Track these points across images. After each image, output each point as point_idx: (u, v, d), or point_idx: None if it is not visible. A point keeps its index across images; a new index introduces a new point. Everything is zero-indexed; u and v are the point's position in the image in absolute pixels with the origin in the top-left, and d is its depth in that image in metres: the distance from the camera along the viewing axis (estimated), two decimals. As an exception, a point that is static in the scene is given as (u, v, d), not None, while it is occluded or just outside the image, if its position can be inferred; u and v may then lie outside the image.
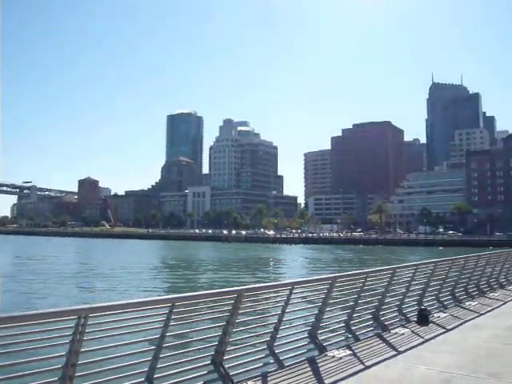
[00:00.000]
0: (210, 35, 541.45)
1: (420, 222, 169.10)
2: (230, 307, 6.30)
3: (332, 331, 8.21)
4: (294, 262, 65.15)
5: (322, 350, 7.51)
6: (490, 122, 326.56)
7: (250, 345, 6.85)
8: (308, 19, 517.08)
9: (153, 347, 5.60)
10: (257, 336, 7.17)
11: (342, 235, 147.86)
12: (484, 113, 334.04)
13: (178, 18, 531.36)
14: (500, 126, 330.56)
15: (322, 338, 7.82)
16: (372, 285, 9.20)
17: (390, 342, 8.13)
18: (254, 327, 7.20)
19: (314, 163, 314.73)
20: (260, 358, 6.79)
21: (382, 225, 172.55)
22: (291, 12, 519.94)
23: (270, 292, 7.30)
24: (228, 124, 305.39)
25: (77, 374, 4.80)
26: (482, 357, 7.19)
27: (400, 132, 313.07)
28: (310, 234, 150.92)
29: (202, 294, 6.52)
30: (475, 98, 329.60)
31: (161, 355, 5.59)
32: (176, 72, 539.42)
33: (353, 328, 8.49)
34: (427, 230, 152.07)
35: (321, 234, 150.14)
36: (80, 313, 4.74)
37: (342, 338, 8.30)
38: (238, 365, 6.40)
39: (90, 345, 5.07)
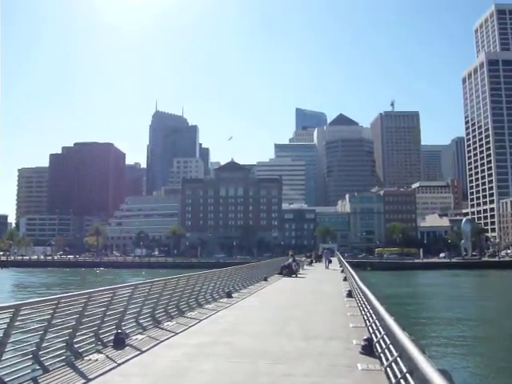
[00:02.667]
0: None
1: (137, 244, 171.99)
2: None
3: (16, 365, 7.42)
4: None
5: (3, 388, 6.74)
6: (205, 153, 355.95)
7: None
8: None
9: None
10: None
11: (55, 258, 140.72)
12: (200, 144, 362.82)
13: None
14: (213, 158, 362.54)
15: (3, 373, 7.03)
16: (65, 311, 8.70)
17: (82, 369, 7.78)
18: None
19: (29, 180, 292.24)
20: None
21: (98, 247, 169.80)
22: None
23: None
24: None
25: None
26: (168, 376, 7.43)
27: (122, 155, 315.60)
28: (20, 257, 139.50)
29: None
30: (193, 129, 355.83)
31: None
32: None
33: (42, 359, 7.86)
34: (143, 253, 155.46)
35: (32, 257, 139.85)
36: None
37: (29, 371, 7.59)
38: None
39: None
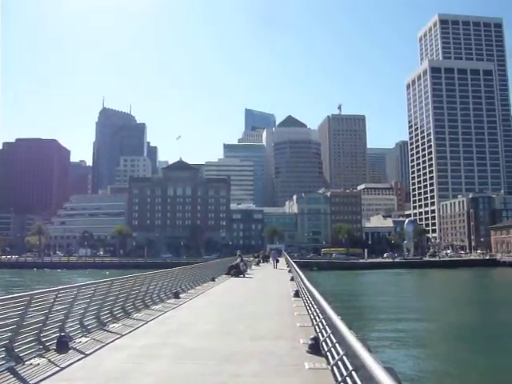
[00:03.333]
0: None
1: (81, 244, 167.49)
2: None
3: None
4: None
5: None
6: (153, 151, 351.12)
7: None
8: None
9: None
10: None
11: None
12: (148, 143, 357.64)
13: None
14: (161, 157, 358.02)
15: None
16: (4, 314, 8.32)
17: (23, 374, 7.51)
18: None
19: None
20: None
21: (41, 247, 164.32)
22: None
23: None
24: None
25: None
26: (113, 379, 7.28)
27: (67, 152, 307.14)
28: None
29: None
30: (141, 127, 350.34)
31: None
32: None
33: (-23, 366, 7.54)
34: (88, 253, 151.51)
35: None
36: None
37: (-35, 377, 7.28)
38: None
39: None
